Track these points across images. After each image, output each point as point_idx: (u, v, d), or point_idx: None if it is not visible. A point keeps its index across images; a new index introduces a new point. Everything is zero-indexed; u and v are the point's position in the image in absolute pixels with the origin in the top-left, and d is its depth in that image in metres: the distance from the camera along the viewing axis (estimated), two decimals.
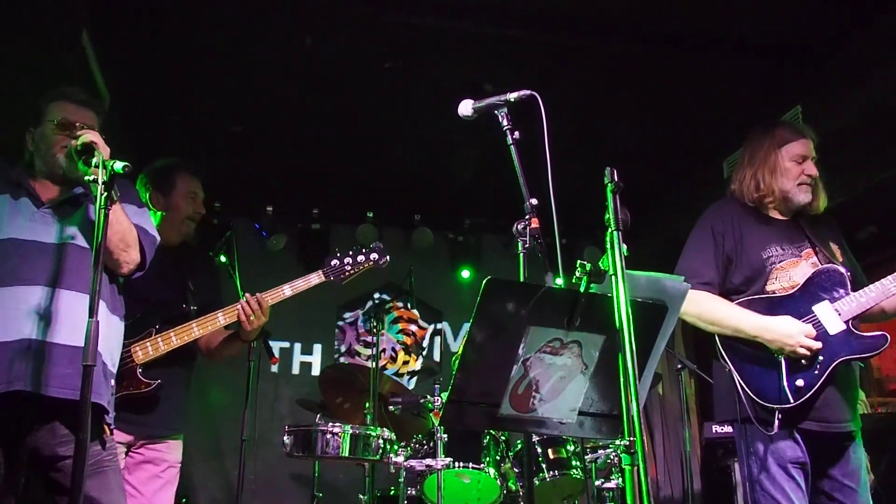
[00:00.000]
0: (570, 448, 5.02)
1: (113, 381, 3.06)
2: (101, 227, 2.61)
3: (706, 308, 3.42)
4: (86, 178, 2.78)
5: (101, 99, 5.11)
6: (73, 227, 3.03)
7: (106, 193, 2.65)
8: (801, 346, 3.21)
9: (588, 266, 2.23)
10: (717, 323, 3.40)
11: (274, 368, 7.64)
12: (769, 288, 3.42)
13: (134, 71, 5.58)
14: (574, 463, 4.97)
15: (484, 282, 2.16)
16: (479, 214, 8.28)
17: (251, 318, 3.71)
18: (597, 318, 2.26)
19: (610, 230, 2.25)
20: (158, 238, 3.31)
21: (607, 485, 4.99)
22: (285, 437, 4.33)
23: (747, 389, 3.29)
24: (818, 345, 3.22)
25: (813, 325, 3.27)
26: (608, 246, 2.24)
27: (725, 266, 3.50)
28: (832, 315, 3.27)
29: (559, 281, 2.46)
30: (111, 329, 3.06)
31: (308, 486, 5.68)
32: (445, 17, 5.06)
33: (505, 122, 2.76)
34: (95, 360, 2.51)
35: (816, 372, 3.22)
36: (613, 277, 2.18)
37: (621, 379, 2.10)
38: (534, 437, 4.84)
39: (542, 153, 2.59)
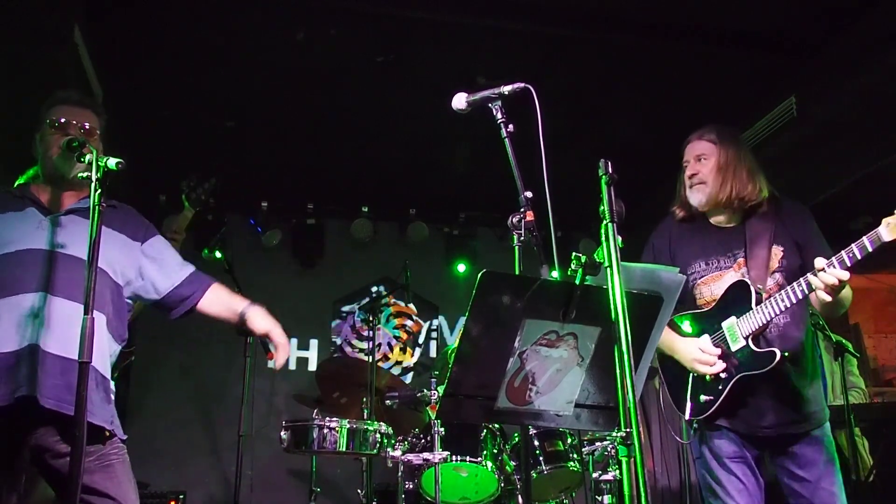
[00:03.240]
0: (568, 441, 5.02)
1: (112, 395, 3.06)
2: (94, 225, 2.59)
3: None
4: (79, 175, 2.78)
5: (93, 96, 5.09)
6: (79, 239, 3.01)
7: (100, 190, 2.64)
8: (698, 368, 3.40)
9: (583, 258, 2.23)
10: None
11: (270, 364, 7.61)
12: (698, 302, 3.58)
13: (127, 67, 5.57)
14: (571, 455, 4.97)
15: (479, 275, 2.15)
16: (473, 208, 8.28)
17: None
18: (592, 310, 2.26)
19: (605, 222, 2.25)
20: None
21: (605, 477, 4.99)
22: (282, 433, 4.33)
23: (670, 401, 3.56)
24: (713, 368, 3.36)
25: (719, 341, 3.42)
26: (603, 238, 2.24)
27: None
28: (735, 331, 3.38)
29: (555, 273, 2.46)
30: (107, 348, 3.06)
31: (306, 481, 5.68)
32: (438, 9, 5.05)
33: (499, 116, 2.75)
34: (91, 357, 2.51)
35: (720, 387, 3.37)
36: (609, 269, 2.18)
37: (617, 370, 2.10)
38: (531, 430, 4.85)
39: (536, 146, 2.59)
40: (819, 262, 3.02)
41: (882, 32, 4.82)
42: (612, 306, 2.15)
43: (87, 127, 3.14)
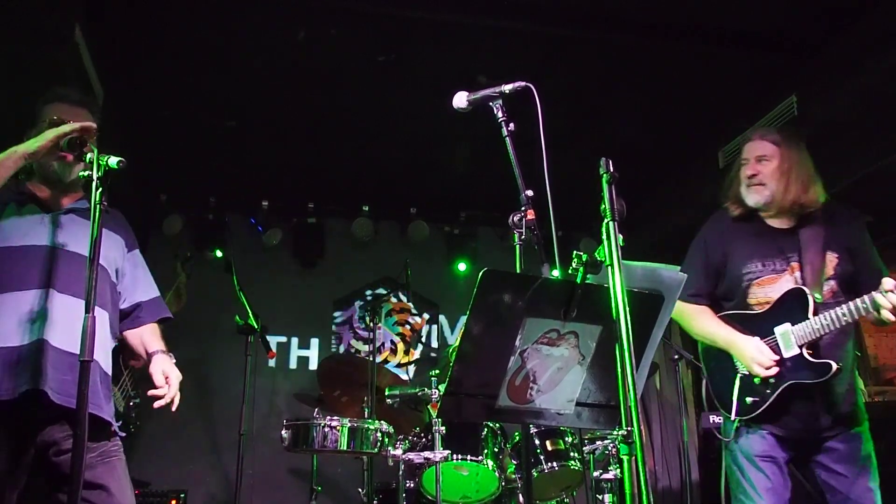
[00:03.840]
0: (569, 439, 5.02)
1: (111, 392, 3.12)
2: (96, 223, 2.60)
3: (689, 319, 3.72)
4: (80, 174, 2.79)
5: (94, 95, 5.09)
6: (81, 237, 3.04)
7: (101, 189, 2.64)
8: (757, 364, 3.40)
9: (584, 257, 2.23)
10: (697, 333, 3.70)
11: (271, 363, 7.64)
12: (750, 301, 3.57)
13: (127, 66, 5.56)
14: (572, 454, 4.98)
15: (480, 274, 2.15)
16: (474, 207, 8.27)
17: None
18: (593, 308, 2.26)
19: (606, 221, 2.25)
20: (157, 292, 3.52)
21: (606, 476, 5.00)
22: (283, 432, 4.33)
23: (713, 396, 3.62)
24: (769, 373, 3.38)
25: (772, 346, 3.42)
26: (604, 236, 2.23)
27: (716, 276, 3.69)
28: (790, 338, 3.39)
29: (555, 272, 2.46)
30: (108, 345, 3.13)
31: (307, 480, 5.69)
32: (438, 9, 5.04)
33: (500, 114, 2.76)
34: (92, 356, 2.52)
35: (768, 391, 3.40)
36: (610, 268, 2.18)
37: (618, 369, 2.10)
38: (532, 428, 4.86)
39: (537, 145, 2.59)
40: (888, 282, 3.05)
41: (882, 32, 4.81)
42: (613, 305, 2.15)
43: (89, 128, 3.15)
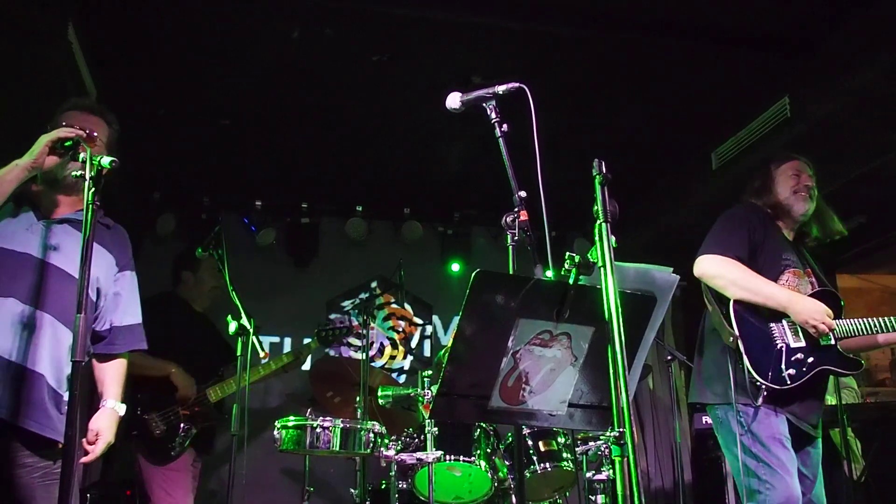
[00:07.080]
0: (561, 440, 5.03)
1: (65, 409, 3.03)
2: (88, 223, 2.59)
3: (742, 275, 3.69)
4: (73, 174, 2.77)
5: (87, 93, 5.08)
6: (70, 251, 3.00)
7: (93, 189, 2.63)
8: (823, 323, 3.57)
9: (577, 258, 2.23)
10: (750, 290, 3.67)
11: (264, 363, 7.61)
12: (782, 284, 3.79)
13: (121, 65, 5.54)
14: (565, 455, 4.98)
15: (473, 274, 2.16)
16: (468, 207, 8.26)
17: None
18: (586, 309, 2.27)
19: (598, 222, 2.25)
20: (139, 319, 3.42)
21: (598, 476, 5.00)
22: (276, 432, 4.32)
23: (746, 359, 3.58)
24: (834, 324, 3.62)
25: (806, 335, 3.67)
26: (597, 238, 2.23)
27: (749, 254, 3.77)
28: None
29: (548, 273, 2.46)
30: (64, 363, 3.03)
31: (299, 481, 5.67)
32: (433, 8, 5.03)
33: (493, 115, 2.76)
34: (84, 357, 2.51)
35: (804, 369, 3.57)
36: (602, 269, 2.18)
37: (611, 370, 2.10)
38: (525, 429, 4.85)
39: (530, 145, 2.59)
40: None
41: (876, 31, 4.82)
42: (605, 306, 2.15)
43: (91, 133, 3.09)
